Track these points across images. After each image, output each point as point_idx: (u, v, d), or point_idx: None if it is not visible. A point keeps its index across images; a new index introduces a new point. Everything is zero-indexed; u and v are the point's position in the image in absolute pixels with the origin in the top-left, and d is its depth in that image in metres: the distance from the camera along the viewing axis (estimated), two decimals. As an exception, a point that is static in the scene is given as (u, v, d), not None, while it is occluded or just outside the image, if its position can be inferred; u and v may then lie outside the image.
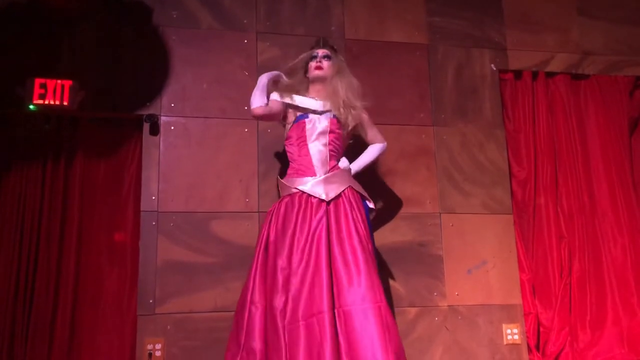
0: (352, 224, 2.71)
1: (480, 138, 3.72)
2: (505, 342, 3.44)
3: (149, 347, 3.08)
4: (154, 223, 3.21)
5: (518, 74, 3.90)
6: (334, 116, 2.91)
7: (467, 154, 3.68)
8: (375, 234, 3.46)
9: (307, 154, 2.87)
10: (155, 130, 3.32)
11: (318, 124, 2.90)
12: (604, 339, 3.60)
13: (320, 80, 3.00)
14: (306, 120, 2.92)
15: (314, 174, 2.84)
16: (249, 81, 3.46)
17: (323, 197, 2.76)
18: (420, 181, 3.58)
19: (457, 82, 3.77)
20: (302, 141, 2.90)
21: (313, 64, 3.01)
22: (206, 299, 3.18)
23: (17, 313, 3.14)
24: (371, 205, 2.95)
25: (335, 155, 2.92)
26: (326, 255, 2.60)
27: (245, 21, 3.56)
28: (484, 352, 3.41)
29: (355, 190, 2.88)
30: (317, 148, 2.88)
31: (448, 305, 3.44)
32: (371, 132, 3.09)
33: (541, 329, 3.58)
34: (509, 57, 3.86)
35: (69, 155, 3.38)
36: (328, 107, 2.93)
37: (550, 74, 3.95)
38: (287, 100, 2.96)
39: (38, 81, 3.12)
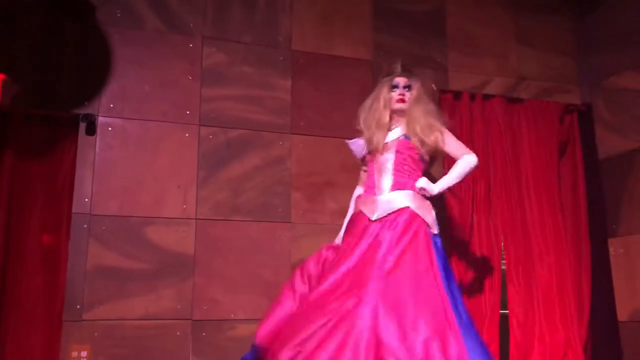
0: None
1: (419, 154, 3.80)
2: None
3: (74, 354, 2.97)
4: (85, 226, 3.11)
5: (457, 94, 4.03)
6: (406, 137, 2.80)
7: (406, 169, 3.75)
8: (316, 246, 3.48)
9: (372, 173, 2.83)
10: (91, 130, 3.23)
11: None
12: (533, 357, 3.73)
13: (402, 111, 2.86)
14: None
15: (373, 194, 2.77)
16: (192, 85, 3.43)
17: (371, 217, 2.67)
18: (360, 194, 3.62)
19: (399, 99, 3.84)
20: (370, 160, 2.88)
21: (395, 95, 2.85)
22: (137, 306, 3.11)
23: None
24: (435, 231, 2.68)
25: (400, 175, 2.77)
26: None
27: (191, 25, 3.53)
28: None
29: (419, 214, 2.66)
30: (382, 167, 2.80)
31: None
32: (450, 149, 2.84)
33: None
34: (449, 78, 3.99)
35: (-1, 152, 3.24)
36: (402, 132, 2.83)
37: (487, 96, 4.10)
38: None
39: (-32, 74, 3.00)
